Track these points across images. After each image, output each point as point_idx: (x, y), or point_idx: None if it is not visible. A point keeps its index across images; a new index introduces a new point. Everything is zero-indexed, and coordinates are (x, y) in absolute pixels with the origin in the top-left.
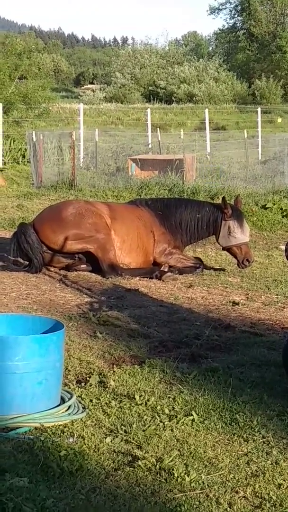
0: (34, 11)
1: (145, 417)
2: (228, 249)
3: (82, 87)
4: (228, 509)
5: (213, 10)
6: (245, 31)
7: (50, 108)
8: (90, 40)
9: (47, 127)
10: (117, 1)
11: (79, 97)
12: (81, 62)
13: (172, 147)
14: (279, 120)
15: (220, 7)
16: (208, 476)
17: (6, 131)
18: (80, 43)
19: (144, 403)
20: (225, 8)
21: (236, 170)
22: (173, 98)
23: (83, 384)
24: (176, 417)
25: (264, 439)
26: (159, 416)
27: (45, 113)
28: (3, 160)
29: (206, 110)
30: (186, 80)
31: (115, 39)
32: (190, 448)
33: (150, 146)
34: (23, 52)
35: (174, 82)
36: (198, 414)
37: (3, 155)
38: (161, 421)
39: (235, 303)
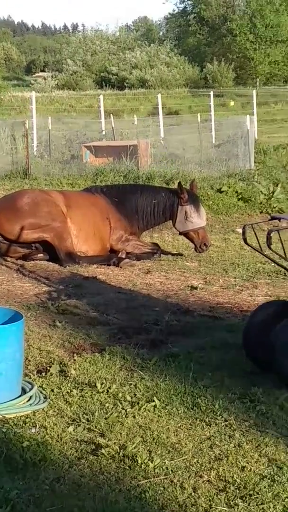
0: None
1: (107, 404)
2: (185, 234)
3: (34, 75)
4: (193, 493)
5: None
6: (195, 15)
7: (2, 97)
8: (40, 27)
9: None
10: None
11: (30, 85)
12: (32, 50)
13: (126, 133)
14: (232, 103)
15: None
16: (171, 461)
17: None
18: (30, 31)
19: (106, 391)
20: None
21: (191, 154)
22: (125, 84)
23: (43, 374)
24: (138, 403)
25: (226, 423)
26: (121, 403)
27: None
28: None
29: (159, 95)
30: (137, 66)
31: (65, 26)
32: (153, 434)
33: (103, 132)
34: None
35: (126, 68)
36: (160, 400)
37: None
38: (123, 408)
39: (193, 288)
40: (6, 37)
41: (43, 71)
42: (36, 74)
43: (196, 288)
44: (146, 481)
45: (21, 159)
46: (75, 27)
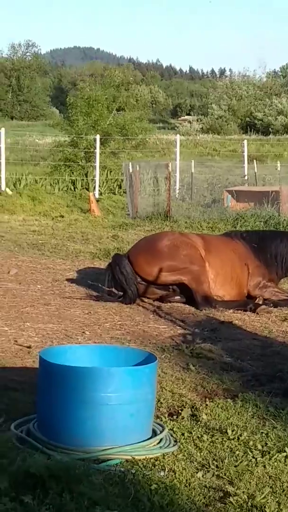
0: (132, 43)
1: (237, 452)
2: None
3: (179, 118)
4: None
5: None
6: None
7: (147, 139)
8: (187, 72)
9: (144, 158)
10: (216, 34)
11: (175, 128)
12: (178, 93)
13: (268, 178)
14: None
15: None
16: None
17: (103, 162)
18: (177, 75)
19: (237, 438)
20: None
21: None
22: (270, 129)
23: (175, 417)
24: (269, 453)
25: None
26: (252, 452)
27: (141, 144)
28: (99, 191)
29: None
30: (283, 112)
31: (212, 71)
32: (283, 486)
33: (246, 177)
34: (121, 84)
35: (271, 113)
36: None
37: (99, 186)
38: (253, 457)
39: None
40: (154, 81)
41: (188, 114)
42: (182, 118)
43: None
44: None
45: (163, 201)
46: (222, 72)
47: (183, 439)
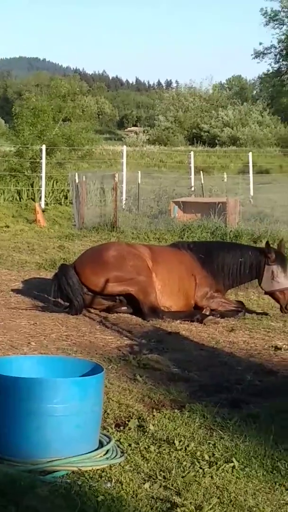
0: (79, 54)
1: (184, 463)
2: (271, 294)
3: (126, 130)
4: None
5: (258, 55)
6: None
7: (93, 150)
8: (134, 83)
9: (90, 168)
10: (162, 45)
11: (122, 139)
12: (125, 104)
13: (215, 190)
14: None
15: (265, 52)
16: None
17: (49, 172)
18: (124, 86)
19: (184, 449)
20: (270, 53)
21: (280, 213)
22: (216, 141)
23: (122, 428)
24: (216, 463)
25: None
26: (199, 462)
27: (88, 154)
28: (45, 201)
29: (250, 154)
30: (229, 124)
31: (159, 82)
32: (230, 496)
33: (193, 189)
34: (67, 95)
35: (218, 125)
36: (238, 461)
37: (45, 196)
38: (200, 468)
39: (277, 348)
40: (100, 92)
41: (135, 125)
42: (128, 129)
43: (280, 349)
44: None
45: (109, 212)
46: (169, 83)
47: (130, 450)
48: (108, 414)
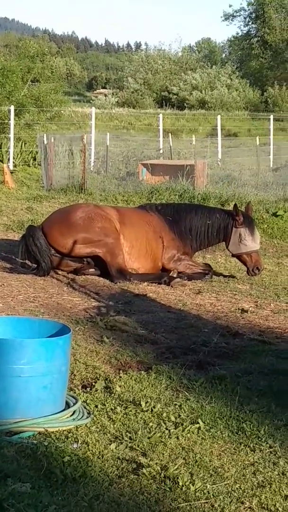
0: (48, 14)
1: (150, 424)
2: (238, 257)
3: (95, 92)
4: None
5: (227, 17)
6: (259, 38)
7: (62, 111)
8: (103, 44)
9: (59, 130)
10: (131, 7)
11: (91, 101)
12: (94, 66)
13: (183, 153)
14: None
15: (235, 14)
16: (213, 485)
17: (17, 134)
18: (93, 48)
19: (150, 410)
20: (239, 15)
21: (247, 177)
22: (185, 104)
23: (88, 389)
24: (182, 424)
25: (271, 449)
26: (165, 424)
27: (56, 116)
28: (14, 163)
29: (218, 117)
30: (198, 87)
31: (128, 44)
32: (195, 457)
33: (161, 151)
34: (36, 55)
35: (187, 88)
36: (204, 422)
37: (14, 158)
38: (166, 429)
39: (243, 311)
40: (69, 53)
41: (104, 88)
42: (97, 91)
43: (246, 311)
44: (186, 504)
45: (78, 174)
46: (138, 45)
47: (97, 411)
48: (75, 375)
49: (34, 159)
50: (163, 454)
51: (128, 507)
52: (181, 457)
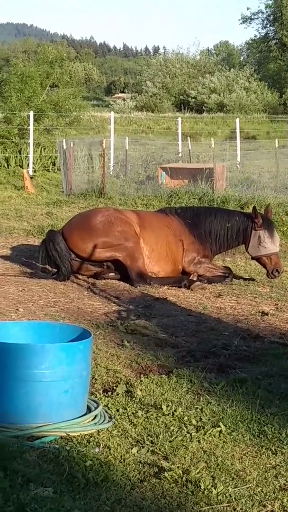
0: (66, 20)
1: (172, 427)
2: (258, 259)
3: (113, 96)
4: None
5: (245, 20)
6: (277, 40)
7: (81, 116)
8: (121, 49)
9: (78, 135)
10: (149, 11)
11: (109, 105)
12: (113, 71)
13: (202, 156)
14: None
15: (252, 17)
16: (235, 489)
17: (37, 139)
18: (111, 52)
19: (171, 414)
20: (257, 18)
21: (267, 179)
22: (203, 107)
23: (109, 393)
24: (203, 428)
25: None
26: (186, 427)
27: (75, 121)
28: (33, 168)
29: (237, 120)
30: (216, 90)
31: (146, 49)
32: (217, 460)
33: (180, 155)
34: (54, 61)
35: (205, 92)
36: (225, 426)
37: (33, 163)
38: (188, 432)
39: (264, 313)
40: (87, 58)
41: (122, 92)
42: (116, 95)
43: (267, 314)
44: (208, 507)
45: (97, 178)
46: (156, 49)
47: (118, 415)
48: (96, 379)
49: (54, 164)
50: (184, 457)
51: (150, 511)
52: (203, 461)
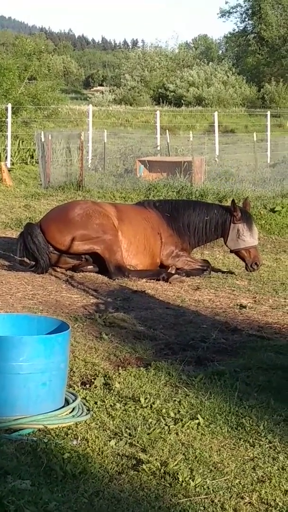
0: (44, 12)
1: (150, 420)
2: (236, 252)
3: (92, 89)
4: None
5: (224, 14)
6: (255, 34)
7: (59, 109)
8: (100, 42)
9: (56, 128)
10: (128, 4)
11: (88, 98)
12: (91, 64)
13: (181, 149)
14: None
15: (231, 11)
16: (213, 481)
17: (15, 132)
18: (90, 45)
19: (149, 406)
20: (235, 12)
21: (245, 173)
22: (182, 101)
23: (88, 386)
24: (181, 420)
25: (270, 444)
26: (164, 420)
27: (54, 114)
28: (11, 161)
29: (215, 113)
30: (195, 84)
31: (125, 42)
32: (195, 452)
33: (158, 148)
34: (33, 53)
35: (183, 85)
36: (203, 418)
37: (11, 156)
38: (166, 425)
39: (242, 306)
40: (66, 51)
41: (101, 85)
42: (94, 88)
43: (245, 307)
44: (186, 499)
45: (75, 171)
46: (135, 43)
47: (96, 407)
48: (74, 372)
49: (32, 157)
50: (162, 450)
51: (128, 503)
52: (181, 453)
